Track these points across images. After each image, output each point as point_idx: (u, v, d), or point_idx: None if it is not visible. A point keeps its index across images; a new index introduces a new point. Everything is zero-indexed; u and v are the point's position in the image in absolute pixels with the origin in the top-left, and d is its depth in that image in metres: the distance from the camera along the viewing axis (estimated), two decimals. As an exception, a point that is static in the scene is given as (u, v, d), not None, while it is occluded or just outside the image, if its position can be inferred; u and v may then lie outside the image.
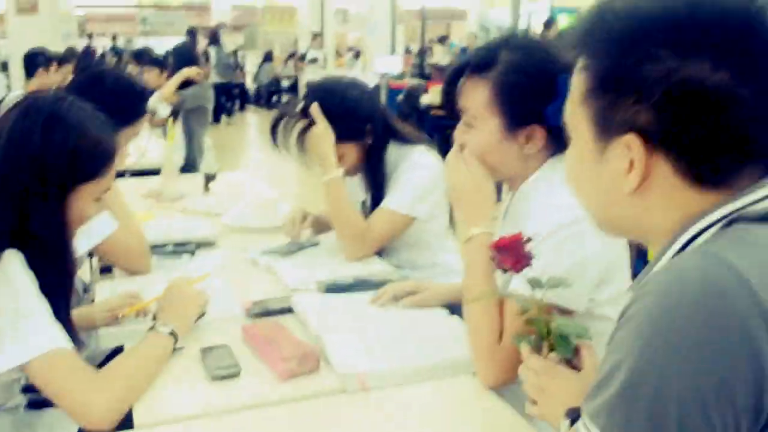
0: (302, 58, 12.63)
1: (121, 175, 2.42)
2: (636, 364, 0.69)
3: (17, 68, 6.22)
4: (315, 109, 2.05)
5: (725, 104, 0.72)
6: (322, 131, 2.04)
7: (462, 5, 19.34)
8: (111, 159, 1.43)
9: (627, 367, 0.70)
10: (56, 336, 1.25)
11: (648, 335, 0.69)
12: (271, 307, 1.72)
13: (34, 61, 4.59)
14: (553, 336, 1.07)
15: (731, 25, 0.72)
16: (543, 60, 1.43)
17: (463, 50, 13.87)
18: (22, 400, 1.38)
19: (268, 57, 16.92)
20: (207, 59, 12.71)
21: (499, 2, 15.81)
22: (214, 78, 13.38)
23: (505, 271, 1.14)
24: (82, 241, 1.76)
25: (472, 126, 1.48)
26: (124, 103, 2.11)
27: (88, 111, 1.42)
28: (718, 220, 0.75)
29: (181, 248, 2.16)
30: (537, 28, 9.47)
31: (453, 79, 1.52)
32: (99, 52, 14.58)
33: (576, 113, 0.85)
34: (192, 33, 12.84)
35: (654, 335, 0.69)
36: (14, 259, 1.26)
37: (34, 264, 1.30)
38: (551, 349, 1.08)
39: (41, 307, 1.26)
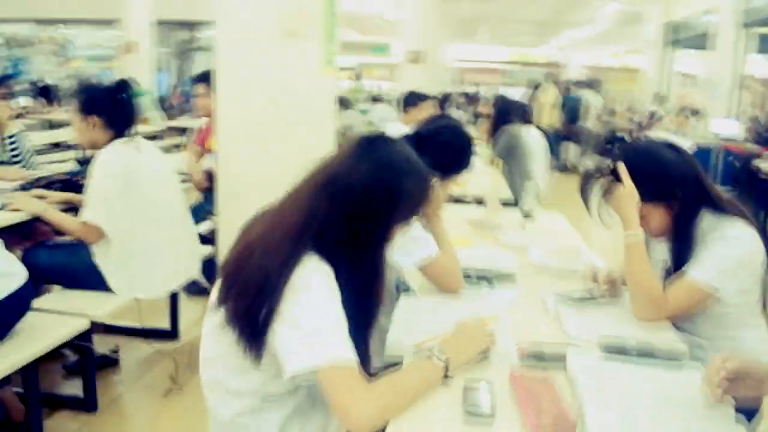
0: (652, 116, 11.41)
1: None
2: None
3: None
4: (621, 167, 1.75)
5: None
6: (626, 190, 1.74)
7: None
8: (425, 200, 1.34)
9: None
10: (346, 349, 1.17)
11: None
12: (546, 352, 1.44)
13: (408, 100, 5.02)
14: None
15: None
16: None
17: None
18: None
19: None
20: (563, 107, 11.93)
21: None
22: (598, 127, 12.03)
23: None
24: (404, 260, 1.74)
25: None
26: (452, 157, 2.10)
27: (411, 155, 1.34)
28: None
29: (482, 277, 1.99)
30: None
31: None
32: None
33: None
34: (535, 86, 12.42)
35: None
36: (319, 263, 1.22)
37: (343, 280, 1.24)
38: None
39: (339, 319, 1.20)
